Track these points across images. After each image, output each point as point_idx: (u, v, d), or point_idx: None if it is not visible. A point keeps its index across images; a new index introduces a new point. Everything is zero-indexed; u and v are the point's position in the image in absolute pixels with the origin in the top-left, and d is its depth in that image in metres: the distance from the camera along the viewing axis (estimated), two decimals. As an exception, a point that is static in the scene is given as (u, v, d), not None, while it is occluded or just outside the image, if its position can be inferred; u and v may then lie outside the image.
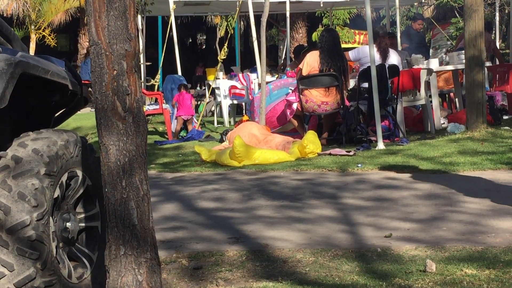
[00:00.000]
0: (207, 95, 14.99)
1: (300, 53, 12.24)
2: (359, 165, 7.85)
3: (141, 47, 14.75)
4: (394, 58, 10.41)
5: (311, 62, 10.01)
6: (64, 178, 3.78)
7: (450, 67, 11.75)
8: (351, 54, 10.44)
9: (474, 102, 9.44)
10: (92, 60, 3.22)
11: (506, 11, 19.61)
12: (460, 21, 18.41)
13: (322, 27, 24.24)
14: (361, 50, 10.54)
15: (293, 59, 15.63)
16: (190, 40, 29.49)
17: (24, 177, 3.52)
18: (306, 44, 16.19)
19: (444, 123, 11.07)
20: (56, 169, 3.68)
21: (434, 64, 11.40)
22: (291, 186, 7.10)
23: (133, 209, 3.19)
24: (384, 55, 10.38)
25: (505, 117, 11.54)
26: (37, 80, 3.99)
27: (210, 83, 14.52)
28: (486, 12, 18.36)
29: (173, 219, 5.97)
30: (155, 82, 14.75)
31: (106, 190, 3.22)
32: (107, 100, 3.18)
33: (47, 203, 3.56)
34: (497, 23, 17.11)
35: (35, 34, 20.31)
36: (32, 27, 20.35)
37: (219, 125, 14.06)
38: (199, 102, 16.03)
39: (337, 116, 10.25)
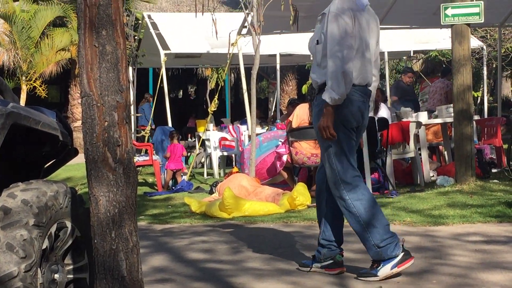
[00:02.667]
0: (197, 146, 15.02)
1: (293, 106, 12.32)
2: (349, 217, 7.83)
3: (131, 99, 14.83)
4: (383, 112, 10.49)
5: (301, 115, 10.08)
6: (53, 229, 3.77)
7: (438, 120, 11.85)
8: None
9: (463, 155, 9.50)
10: (83, 111, 3.24)
11: (494, 66, 19.86)
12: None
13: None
14: None
15: (284, 112, 15.75)
16: (181, 92, 29.65)
17: (12, 228, 3.51)
18: (295, 98, 16.31)
19: (433, 176, 11.12)
20: (45, 220, 3.67)
21: (423, 117, 11.49)
22: (280, 239, 7.07)
23: (122, 261, 3.18)
24: (375, 108, 10.47)
25: (494, 170, 11.60)
26: (28, 131, 4.00)
27: (200, 135, 14.57)
28: (473, 67, 18.60)
29: (162, 271, 5.93)
30: (146, 133, 14.78)
31: (95, 241, 3.22)
32: (97, 151, 3.20)
33: (35, 255, 3.54)
34: (485, 77, 17.31)
35: (26, 85, 20.40)
36: (23, 78, 20.45)
37: (209, 177, 14.06)
38: (189, 154, 16.05)
39: (327, 168, 10.26)
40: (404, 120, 11.06)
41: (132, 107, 15.00)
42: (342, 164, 5.30)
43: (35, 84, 20.40)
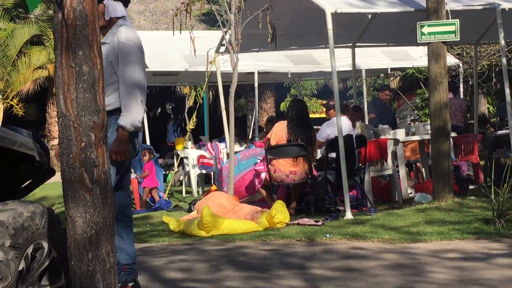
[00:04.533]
0: (176, 164, 14.97)
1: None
2: (328, 235, 7.85)
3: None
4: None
5: (279, 132, 10.10)
6: (29, 250, 3.74)
7: (416, 137, 11.92)
8: (319, 137, 10.50)
9: (440, 172, 9.55)
10: (60, 132, 3.23)
11: (470, 83, 20.04)
12: (426, 92, 18.74)
13: (290, 97, 24.55)
14: (326, 126, 10.63)
15: (264, 129, 15.76)
16: (159, 110, 29.61)
17: (-12, 250, 3.48)
18: (273, 115, 16.35)
19: (411, 193, 11.16)
20: (21, 241, 3.64)
21: (400, 134, 11.56)
22: (259, 257, 7.06)
23: (99, 282, 3.16)
24: (353, 122, 10.57)
25: (471, 187, 11.68)
26: (3, 151, 3.97)
27: (179, 153, 14.53)
28: (450, 83, 18.75)
29: (140, 290, 5.89)
30: (124, 151, 14.70)
31: (72, 262, 3.20)
32: (74, 172, 3.18)
33: (11, 276, 3.51)
34: (461, 94, 17.44)
35: (3, 104, 20.27)
36: (0, 96, 20.32)
37: (188, 195, 14.02)
38: (167, 172, 16.00)
39: (305, 186, 10.29)
40: (382, 137, 11.12)
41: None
42: None
43: (12, 103, 20.28)
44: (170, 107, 29.80)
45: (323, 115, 21.04)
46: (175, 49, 15.12)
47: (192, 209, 10.23)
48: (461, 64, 17.54)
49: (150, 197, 12.21)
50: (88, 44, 3.15)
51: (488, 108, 23.82)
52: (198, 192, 14.00)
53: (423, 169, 12.50)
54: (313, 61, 16.79)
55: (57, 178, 4.98)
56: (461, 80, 17.56)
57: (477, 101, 16.30)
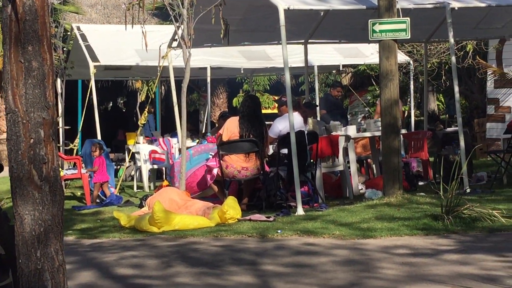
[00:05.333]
0: (127, 159, 14.86)
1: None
2: (279, 231, 7.88)
3: (60, 111, 14.61)
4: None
5: (231, 128, 10.09)
6: (-24, 247, 3.68)
7: (367, 134, 12.02)
8: (271, 133, 10.50)
9: (390, 169, 9.65)
10: (8, 128, 3.17)
11: (420, 80, 20.27)
12: (377, 88, 18.92)
13: (242, 93, 24.55)
14: (278, 122, 10.64)
15: (216, 124, 15.73)
16: (111, 104, 29.34)
17: None
18: (226, 110, 16.33)
19: (362, 189, 11.27)
20: (-32, 239, 3.58)
21: (352, 130, 11.65)
22: (210, 253, 7.06)
23: (48, 281, 3.12)
24: (305, 118, 10.59)
25: (420, 183, 11.83)
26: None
27: (130, 148, 14.42)
28: (401, 81, 18.95)
29: (89, 287, 5.84)
30: (74, 146, 14.57)
31: (20, 260, 3.15)
32: (23, 168, 3.13)
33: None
34: (412, 91, 17.64)
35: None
36: None
37: (139, 190, 13.93)
38: (118, 167, 15.87)
39: (257, 181, 10.30)
40: (333, 133, 11.19)
41: (60, 120, 14.83)
42: None
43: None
44: (122, 101, 29.56)
45: (275, 111, 21.09)
46: (127, 43, 14.99)
47: (143, 204, 10.17)
48: (411, 62, 17.72)
49: (101, 192, 12.10)
50: (38, 39, 3.10)
51: (438, 105, 24.14)
52: (149, 187, 13.91)
53: (373, 165, 12.62)
54: (265, 57, 16.81)
55: (5, 172, 4.91)
56: (411, 77, 17.75)
57: (427, 98, 16.50)
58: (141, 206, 10.44)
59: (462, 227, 7.51)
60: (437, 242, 6.98)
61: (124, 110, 29.04)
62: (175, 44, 11.98)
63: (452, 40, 10.79)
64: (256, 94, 23.55)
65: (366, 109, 20.29)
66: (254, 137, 9.99)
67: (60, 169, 12.27)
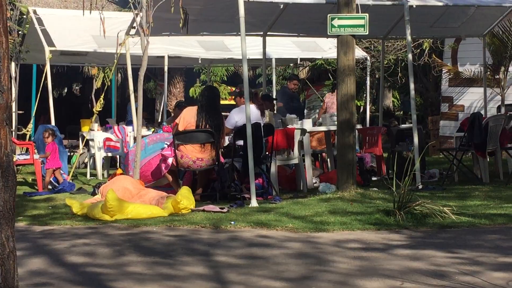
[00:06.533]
0: (81, 146, 14.72)
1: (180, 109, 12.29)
2: (233, 222, 7.89)
3: (13, 96, 14.38)
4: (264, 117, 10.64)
5: (188, 118, 10.05)
6: None
7: (323, 128, 12.09)
8: (228, 124, 10.49)
9: (344, 163, 9.72)
10: (-39, 111, 3.11)
11: (377, 76, 20.45)
12: (334, 83, 19.02)
13: (199, 83, 24.49)
14: (235, 113, 10.64)
15: (172, 113, 15.66)
16: (66, 90, 29.02)
17: None
18: (183, 100, 16.26)
19: (316, 183, 11.33)
20: None
21: (307, 124, 11.70)
22: (163, 242, 7.03)
23: (-3, 267, 3.08)
24: (261, 111, 10.59)
25: (374, 178, 11.95)
26: None
27: (84, 134, 14.29)
28: (357, 76, 19.10)
29: (40, 274, 5.77)
30: (27, 131, 14.38)
31: (-30, 246, 3.10)
32: (-25, 152, 3.08)
33: None
34: (368, 87, 17.79)
35: None
36: None
37: (92, 178, 13.82)
38: (72, 153, 15.72)
39: (211, 172, 10.29)
40: (289, 126, 11.22)
41: (13, 104, 14.60)
42: None
43: None
44: (77, 87, 29.27)
45: (232, 102, 21.11)
46: (84, 28, 14.84)
47: (96, 192, 10.08)
48: (368, 58, 17.88)
49: (53, 178, 11.96)
50: (-7, 21, 3.05)
51: (393, 101, 24.39)
52: (103, 175, 13.81)
53: (328, 160, 12.69)
54: (224, 48, 16.79)
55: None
56: (368, 73, 17.91)
57: (383, 94, 16.67)
58: (94, 193, 10.35)
59: (414, 223, 7.60)
60: (388, 237, 7.05)
61: (78, 96, 28.78)
62: (133, 31, 11.88)
63: (409, 38, 10.90)
64: (214, 85, 23.52)
65: (322, 103, 20.39)
66: (210, 128, 9.97)
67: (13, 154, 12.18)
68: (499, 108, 14.08)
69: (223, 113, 10.56)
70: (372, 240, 6.90)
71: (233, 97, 15.60)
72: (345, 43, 9.79)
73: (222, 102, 23.45)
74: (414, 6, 10.66)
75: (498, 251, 6.39)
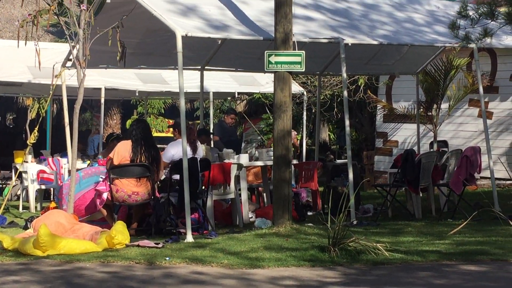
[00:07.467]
0: (14, 178, 14.42)
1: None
2: (167, 258, 7.82)
3: None
4: (200, 152, 10.59)
5: (122, 152, 9.97)
6: None
7: (259, 163, 12.14)
8: (164, 158, 10.43)
9: (280, 199, 9.76)
10: None
11: (313, 111, 20.66)
12: (271, 117, 19.16)
13: (136, 115, 24.35)
14: (171, 147, 10.58)
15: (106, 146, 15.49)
16: (-1, 120, 28.51)
17: None
18: (116, 132, 16.10)
19: (252, 217, 11.35)
20: None
21: (244, 159, 11.74)
22: (96, 279, 6.93)
23: None
24: (194, 148, 10.50)
25: (309, 213, 12.04)
26: None
27: (18, 166, 14.01)
28: (294, 111, 19.29)
29: (-33, 313, 5.62)
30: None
31: None
32: None
33: None
34: (305, 121, 17.97)
35: None
36: None
37: (25, 210, 13.55)
38: (4, 185, 15.40)
39: (147, 206, 10.21)
40: (226, 161, 11.24)
41: None
42: None
43: None
44: (11, 117, 28.76)
45: (169, 134, 21.02)
46: (19, 59, 14.63)
47: (29, 226, 9.90)
48: (305, 92, 18.08)
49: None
50: None
51: (329, 135, 24.67)
52: (36, 208, 13.56)
53: (264, 194, 12.73)
54: (161, 81, 16.76)
55: None
56: (305, 107, 18.10)
57: (319, 129, 16.84)
58: (26, 227, 10.16)
59: (348, 260, 7.66)
60: (323, 274, 7.09)
61: (11, 126, 28.28)
62: (69, 63, 11.78)
63: (344, 75, 11.08)
64: (151, 117, 23.43)
65: (259, 137, 20.51)
66: (147, 161, 9.91)
67: None
68: (431, 144, 14.39)
69: (160, 146, 10.52)
70: (307, 277, 6.92)
71: (171, 129, 15.54)
72: (282, 79, 9.89)
73: (159, 134, 23.42)
74: (350, 44, 10.85)
75: (430, 288, 6.49)
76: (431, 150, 13.54)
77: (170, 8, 10.37)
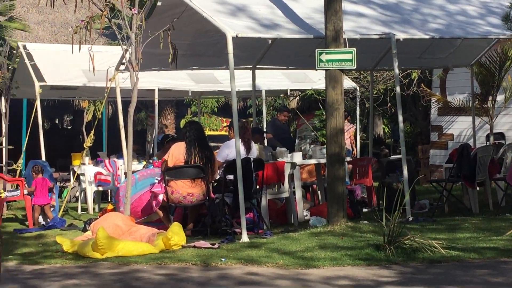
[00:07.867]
0: (72, 180, 14.68)
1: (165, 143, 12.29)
2: (223, 259, 7.88)
3: (3, 131, 14.42)
4: (254, 152, 10.61)
5: (176, 154, 10.06)
6: None
7: (313, 161, 12.12)
8: (219, 157, 10.48)
9: (334, 197, 9.74)
10: None
11: (366, 106, 20.54)
12: (323, 113, 19.10)
13: (190, 114, 24.52)
14: (226, 147, 10.60)
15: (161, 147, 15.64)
16: (57, 122, 29.03)
17: None
18: (171, 134, 16.24)
19: (306, 215, 11.34)
20: None
21: (297, 157, 11.73)
22: (153, 282, 7.02)
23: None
24: (248, 147, 10.52)
25: (364, 210, 11.97)
26: None
27: (75, 169, 14.27)
28: (347, 106, 19.22)
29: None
30: (17, 166, 14.36)
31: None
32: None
33: None
34: (358, 116, 17.88)
35: None
36: None
37: (83, 212, 13.79)
38: (63, 187, 15.70)
39: (202, 207, 10.29)
40: (279, 160, 11.26)
41: (4, 139, 14.61)
42: None
43: None
44: (68, 119, 29.26)
45: (224, 132, 21.15)
46: (74, 63, 14.84)
47: (87, 228, 10.07)
48: (358, 88, 17.99)
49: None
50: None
51: (384, 128, 24.49)
52: (94, 209, 13.79)
53: (319, 192, 12.71)
54: (214, 80, 16.85)
55: None
56: (358, 102, 18.02)
57: (373, 125, 16.75)
58: (84, 230, 10.34)
59: (403, 258, 7.60)
60: (378, 273, 7.05)
61: (69, 128, 28.78)
62: (122, 67, 11.93)
63: (397, 71, 10.98)
64: (204, 116, 23.58)
65: (313, 133, 20.46)
66: (201, 162, 9.98)
67: (2, 190, 12.12)
68: (488, 136, 14.16)
69: (214, 144, 10.56)
70: (362, 277, 6.90)
71: (221, 129, 15.63)
72: (333, 78, 9.87)
73: (213, 133, 23.56)
74: (401, 40, 10.74)
75: (487, 287, 6.40)
76: (488, 143, 13.33)
77: (219, 8, 10.41)
